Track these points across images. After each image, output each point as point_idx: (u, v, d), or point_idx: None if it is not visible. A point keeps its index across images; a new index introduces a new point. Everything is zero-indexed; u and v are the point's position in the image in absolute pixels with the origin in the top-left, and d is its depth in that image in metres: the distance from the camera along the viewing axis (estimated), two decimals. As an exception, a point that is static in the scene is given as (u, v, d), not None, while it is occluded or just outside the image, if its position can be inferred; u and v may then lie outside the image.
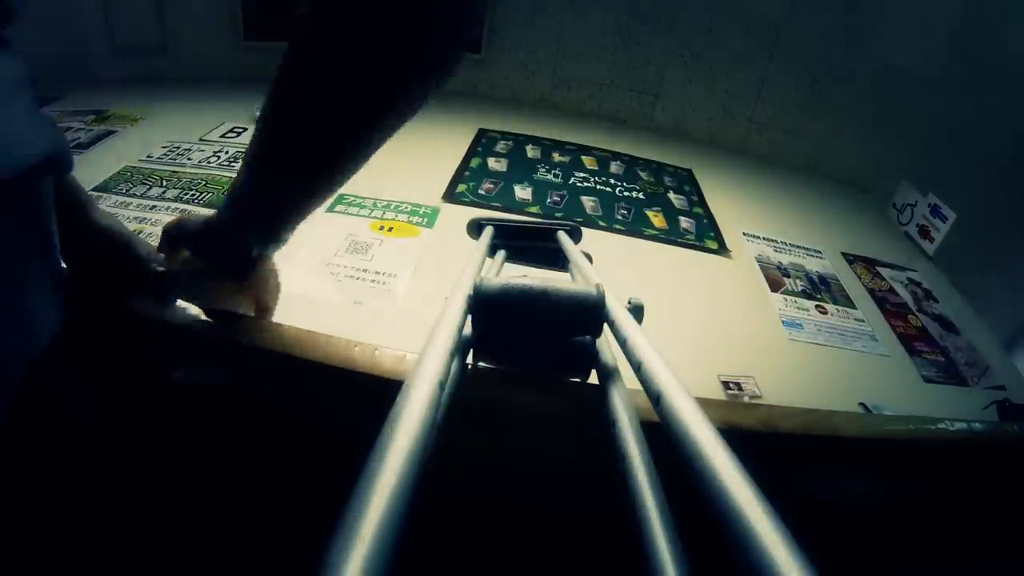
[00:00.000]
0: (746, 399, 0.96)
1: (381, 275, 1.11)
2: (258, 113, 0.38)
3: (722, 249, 1.40)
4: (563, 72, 1.92)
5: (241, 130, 1.58)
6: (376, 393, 0.46)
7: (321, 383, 0.50)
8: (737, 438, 0.16)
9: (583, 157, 1.72)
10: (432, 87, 0.35)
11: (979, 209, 1.43)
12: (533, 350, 0.38)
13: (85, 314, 0.46)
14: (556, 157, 1.69)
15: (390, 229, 1.25)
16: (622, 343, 0.26)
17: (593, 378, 0.36)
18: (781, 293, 1.28)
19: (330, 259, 1.14)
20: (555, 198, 1.49)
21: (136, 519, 0.53)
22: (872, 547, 0.53)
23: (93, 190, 1.27)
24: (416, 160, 1.56)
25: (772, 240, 1.48)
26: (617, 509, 0.21)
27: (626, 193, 1.57)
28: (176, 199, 1.27)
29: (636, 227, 1.42)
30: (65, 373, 0.43)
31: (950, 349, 1.23)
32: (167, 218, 1.21)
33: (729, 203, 1.61)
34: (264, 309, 0.53)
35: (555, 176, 1.59)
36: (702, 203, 1.59)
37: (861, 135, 1.81)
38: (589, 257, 0.48)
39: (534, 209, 1.43)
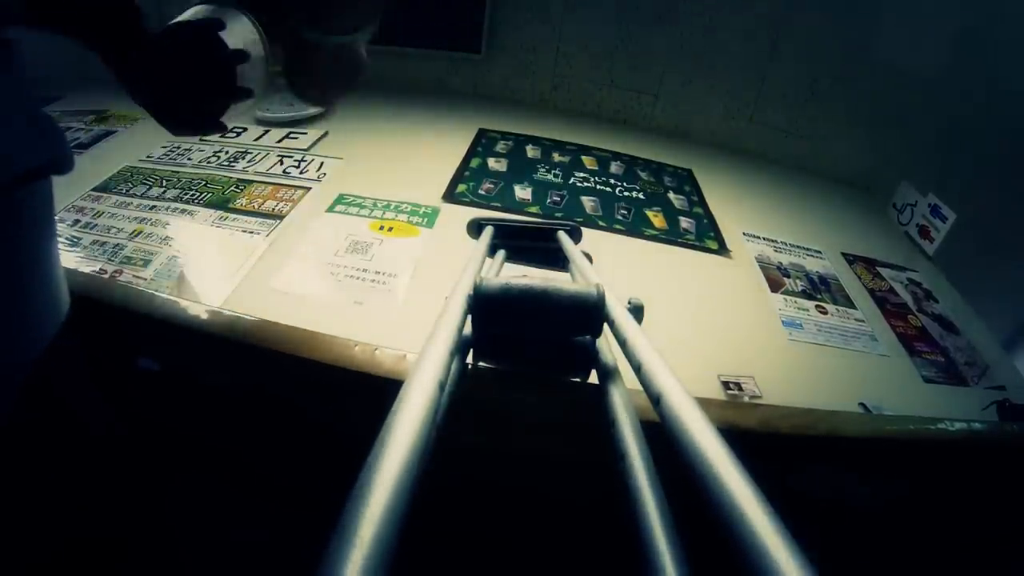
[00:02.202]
0: (746, 399, 0.96)
1: (381, 275, 1.11)
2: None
3: (722, 249, 1.40)
4: (563, 72, 1.92)
5: (241, 130, 1.58)
6: (376, 393, 0.46)
7: (321, 383, 0.50)
8: (737, 438, 0.16)
9: (583, 157, 1.72)
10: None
11: (979, 209, 1.42)
12: (533, 350, 0.38)
13: (86, 313, 0.46)
14: (556, 157, 1.69)
15: (390, 229, 1.25)
16: (622, 343, 0.26)
17: (593, 378, 0.36)
18: (781, 293, 1.28)
19: (330, 259, 1.14)
20: (555, 198, 1.49)
21: (138, 515, 0.53)
22: (872, 547, 0.53)
23: (93, 190, 1.27)
24: (416, 160, 1.56)
25: (772, 240, 1.48)
26: (617, 509, 0.21)
27: (626, 193, 1.57)
28: (176, 199, 1.27)
29: (636, 227, 1.42)
30: (68, 371, 0.43)
31: (950, 349, 1.23)
32: (167, 218, 1.22)
33: (729, 203, 1.61)
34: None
35: (555, 176, 1.59)
36: (702, 203, 1.59)
37: (861, 135, 1.81)
38: (589, 257, 0.48)
39: (534, 209, 1.43)
